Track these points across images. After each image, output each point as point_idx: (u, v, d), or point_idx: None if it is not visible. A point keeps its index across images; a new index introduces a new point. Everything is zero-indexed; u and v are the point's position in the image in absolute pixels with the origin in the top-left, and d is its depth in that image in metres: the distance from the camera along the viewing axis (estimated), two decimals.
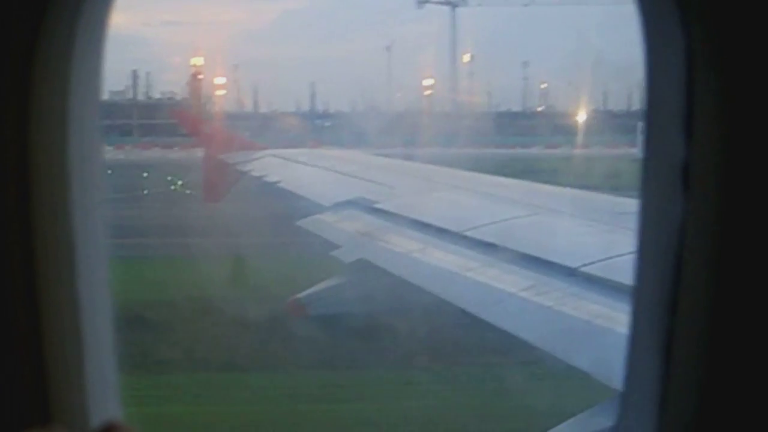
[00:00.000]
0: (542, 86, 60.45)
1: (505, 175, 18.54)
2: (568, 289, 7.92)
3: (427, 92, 53.81)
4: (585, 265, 8.14)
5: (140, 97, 56.32)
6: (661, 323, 1.97)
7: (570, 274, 8.19)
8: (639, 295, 2.11)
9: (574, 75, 56.55)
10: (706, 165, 1.87)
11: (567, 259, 8.53)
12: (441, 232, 10.98)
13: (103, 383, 2.17)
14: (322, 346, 14.45)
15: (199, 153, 27.87)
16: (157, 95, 57.00)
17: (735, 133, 1.83)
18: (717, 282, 1.88)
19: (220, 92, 49.75)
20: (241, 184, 24.61)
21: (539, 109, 59.60)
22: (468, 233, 10.54)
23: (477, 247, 9.99)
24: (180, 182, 32.71)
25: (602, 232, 9.45)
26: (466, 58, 60.15)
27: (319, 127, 49.11)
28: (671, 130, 1.92)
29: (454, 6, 59.85)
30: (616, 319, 6.48)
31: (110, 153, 39.85)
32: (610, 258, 7.82)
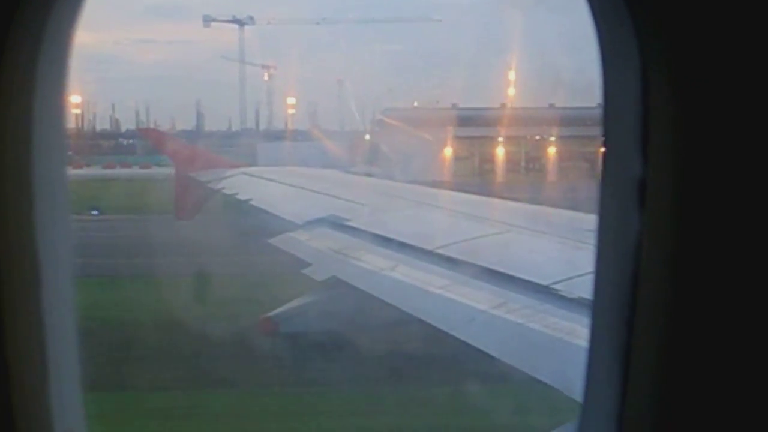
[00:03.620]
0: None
1: None
2: (539, 306, 7.96)
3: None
4: (555, 282, 8.19)
5: None
6: (619, 337, 1.99)
7: (540, 291, 8.23)
8: (597, 310, 2.14)
9: None
10: (662, 181, 1.90)
11: (537, 277, 8.58)
12: (413, 249, 10.98)
13: (68, 400, 2.15)
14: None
15: None
16: None
17: (690, 150, 1.86)
18: (674, 296, 1.90)
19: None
20: (213, 202, 24.48)
21: None
22: (439, 251, 10.55)
23: (448, 265, 10.01)
24: None
25: (572, 249, 9.51)
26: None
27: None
28: (627, 148, 1.95)
29: (242, 24, 58.48)
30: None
31: None
32: (581, 275, 7.86)
